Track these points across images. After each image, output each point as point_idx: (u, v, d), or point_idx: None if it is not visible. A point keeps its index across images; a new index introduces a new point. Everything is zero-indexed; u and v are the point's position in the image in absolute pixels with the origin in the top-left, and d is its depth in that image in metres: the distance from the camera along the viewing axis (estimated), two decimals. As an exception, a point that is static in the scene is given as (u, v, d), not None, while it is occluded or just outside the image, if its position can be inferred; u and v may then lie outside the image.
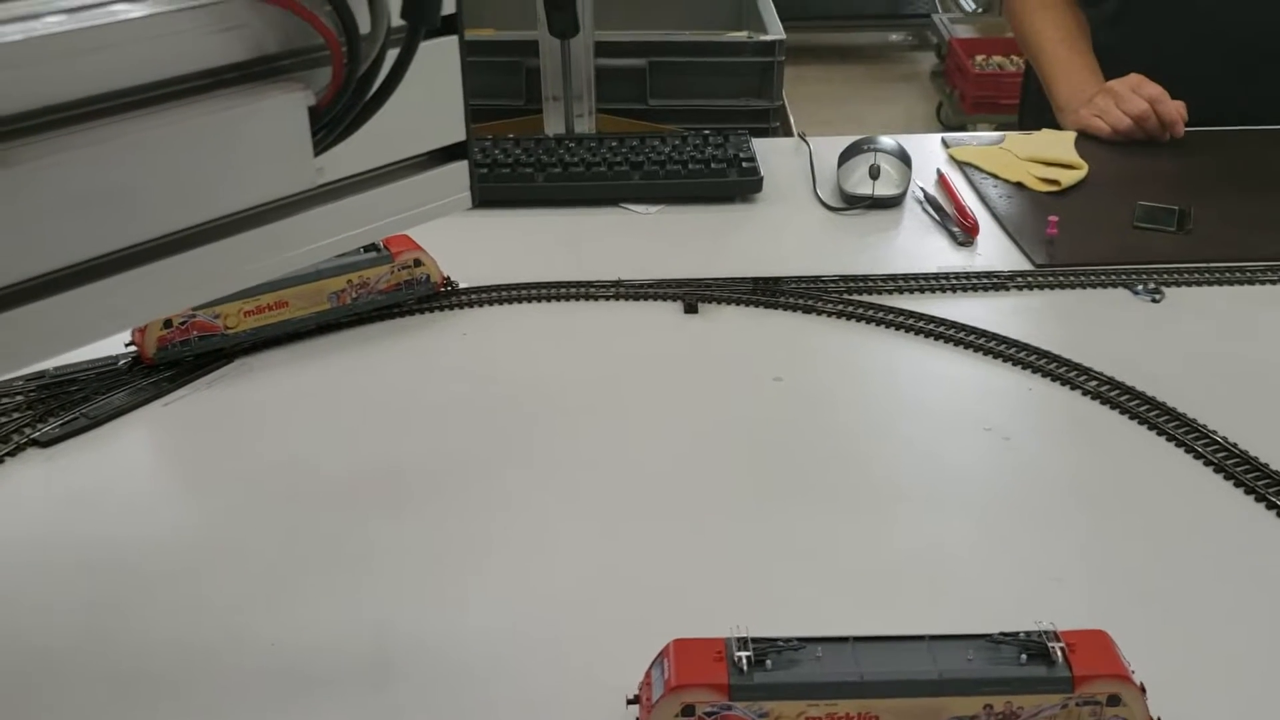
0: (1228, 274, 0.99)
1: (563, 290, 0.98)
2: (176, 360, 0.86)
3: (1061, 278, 0.99)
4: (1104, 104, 1.28)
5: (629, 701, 0.55)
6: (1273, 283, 0.98)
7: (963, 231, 1.07)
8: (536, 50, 1.28)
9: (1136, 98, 1.25)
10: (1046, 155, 1.21)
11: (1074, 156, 1.20)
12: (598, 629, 0.64)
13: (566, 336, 0.93)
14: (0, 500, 0.74)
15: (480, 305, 0.96)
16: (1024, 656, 0.53)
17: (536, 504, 0.74)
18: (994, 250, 1.05)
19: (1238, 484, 0.74)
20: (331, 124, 0.45)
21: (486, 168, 1.13)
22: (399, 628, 0.64)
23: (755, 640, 0.54)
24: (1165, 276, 0.99)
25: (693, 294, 0.97)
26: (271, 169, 0.44)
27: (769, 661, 0.53)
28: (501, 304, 0.96)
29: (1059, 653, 0.53)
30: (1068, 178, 1.16)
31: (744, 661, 0.53)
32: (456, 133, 0.53)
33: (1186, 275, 0.99)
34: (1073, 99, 1.34)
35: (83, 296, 0.42)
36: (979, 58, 3.54)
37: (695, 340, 0.92)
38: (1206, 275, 0.99)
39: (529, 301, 0.97)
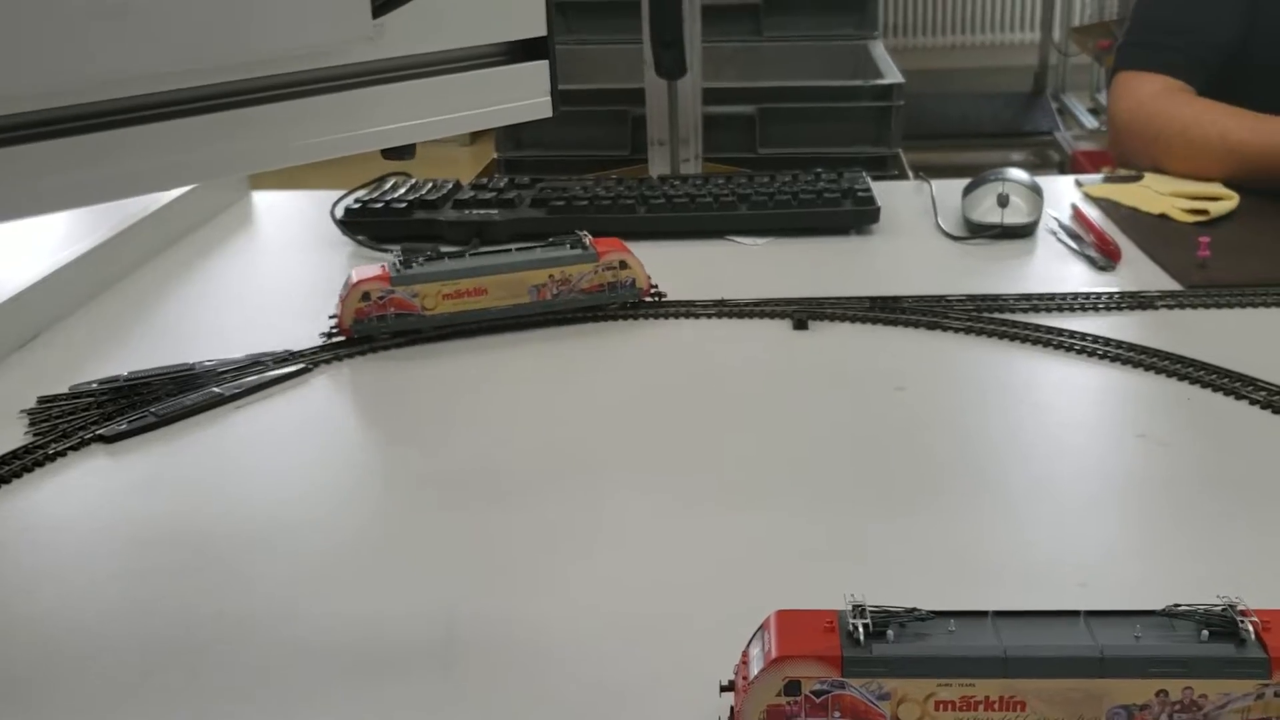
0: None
1: (661, 309, 0.92)
2: (371, 335, 0.86)
3: (1217, 296, 0.89)
4: None
5: (723, 689, 0.47)
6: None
7: (1103, 256, 0.98)
8: (643, 99, 1.25)
9: None
10: (1191, 190, 1.11)
11: (1222, 189, 1.11)
12: (700, 617, 0.55)
13: (670, 350, 0.87)
14: (66, 486, 0.69)
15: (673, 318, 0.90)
16: (1206, 633, 0.43)
17: (652, 499, 0.66)
18: (1139, 274, 0.96)
19: None
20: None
21: (587, 201, 1.09)
22: (485, 612, 0.56)
23: (875, 609, 0.45)
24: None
25: (802, 311, 0.89)
26: (322, 7, 0.39)
27: (890, 632, 0.44)
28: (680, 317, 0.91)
29: (1251, 630, 0.43)
30: (1217, 208, 1.06)
31: (861, 631, 0.44)
32: (537, 25, 0.48)
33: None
34: None
35: (100, 144, 0.37)
36: (1105, 169, 3.44)
37: (807, 353, 0.85)
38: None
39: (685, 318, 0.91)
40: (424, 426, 0.77)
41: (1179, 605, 0.44)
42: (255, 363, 0.83)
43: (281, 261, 1.09)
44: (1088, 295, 0.90)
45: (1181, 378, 0.77)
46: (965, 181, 1.12)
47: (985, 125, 4.42)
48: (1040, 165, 4.43)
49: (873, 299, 0.91)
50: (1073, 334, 0.83)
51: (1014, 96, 4.63)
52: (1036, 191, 1.07)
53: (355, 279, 0.86)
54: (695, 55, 1.23)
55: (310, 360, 0.84)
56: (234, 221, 1.18)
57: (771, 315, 0.90)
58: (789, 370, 0.82)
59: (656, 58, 1.19)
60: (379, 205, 1.10)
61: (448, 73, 0.46)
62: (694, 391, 0.80)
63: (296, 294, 0.99)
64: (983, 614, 0.45)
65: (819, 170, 1.15)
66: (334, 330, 0.86)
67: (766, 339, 0.87)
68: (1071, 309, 0.89)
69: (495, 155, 1.59)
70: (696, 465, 0.70)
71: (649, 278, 0.92)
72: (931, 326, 0.87)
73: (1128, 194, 1.12)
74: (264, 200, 1.25)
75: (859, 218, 1.07)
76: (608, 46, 1.59)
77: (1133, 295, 0.90)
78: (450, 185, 1.15)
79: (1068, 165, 3.91)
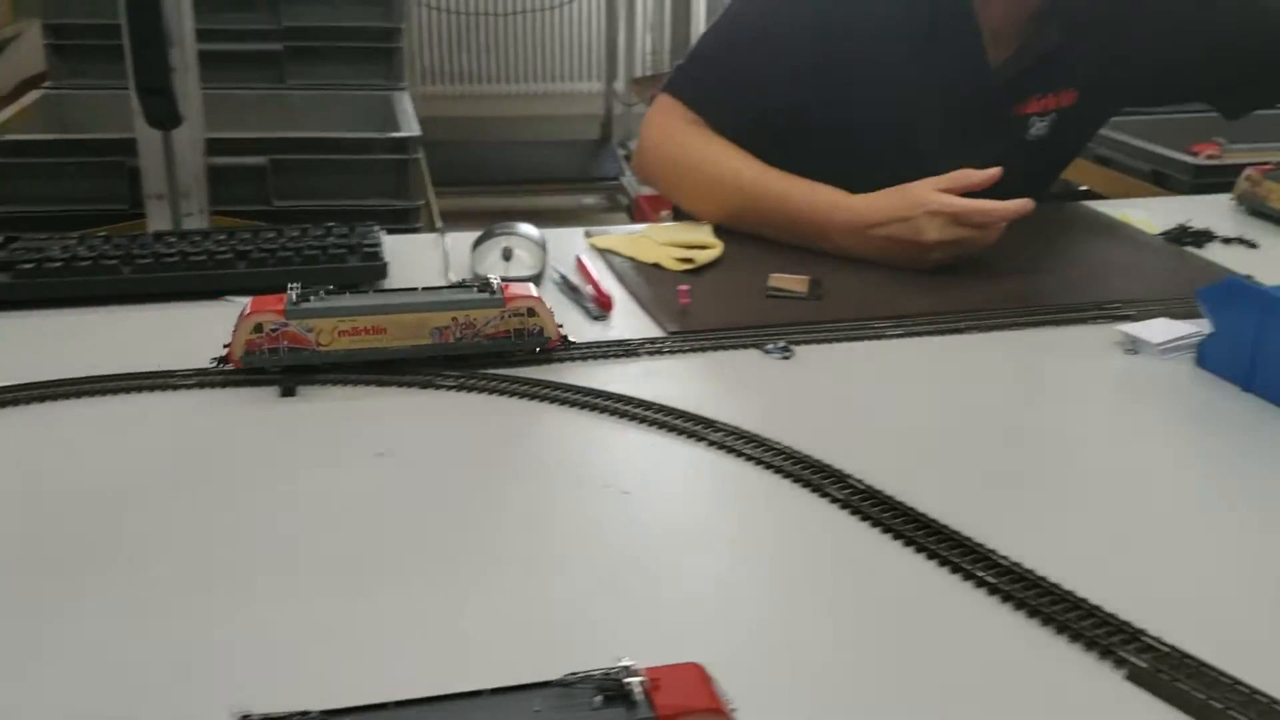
0: (853, 330, 0.98)
1: (133, 382, 0.84)
2: (262, 368, 0.85)
3: (694, 342, 0.95)
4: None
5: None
6: (892, 337, 0.97)
7: (597, 306, 1.02)
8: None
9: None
10: (684, 239, 1.19)
11: (710, 238, 1.19)
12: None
13: (140, 428, 0.79)
14: None
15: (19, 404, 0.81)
16: (600, 699, 0.44)
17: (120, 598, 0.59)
18: (628, 323, 1.00)
19: (864, 517, 0.69)
20: None
21: (62, 263, 0.99)
22: None
23: (264, 716, 0.42)
24: (795, 336, 0.96)
25: (288, 378, 0.86)
26: None
27: (282, 743, 0.41)
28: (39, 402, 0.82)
29: (640, 690, 0.44)
30: (703, 256, 1.14)
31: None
32: None
33: (815, 333, 0.97)
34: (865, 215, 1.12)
35: None
36: (664, 213, 3.65)
37: (293, 421, 0.81)
38: (834, 333, 0.97)
39: (74, 398, 0.83)
40: None
41: (575, 674, 0.45)
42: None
43: None
44: (579, 346, 0.93)
45: (650, 423, 0.81)
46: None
47: (559, 170, 4.58)
48: (609, 209, 4.65)
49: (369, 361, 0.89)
50: (551, 385, 0.85)
51: (585, 144, 4.84)
52: (541, 245, 1.10)
53: (249, 309, 0.84)
54: (194, 104, 1.15)
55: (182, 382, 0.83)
56: None
57: (257, 384, 0.85)
58: (271, 441, 0.78)
59: (144, 106, 1.11)
60: None
61: None
62: (180, 475, 0.74)
63: None
64: (383, 706, 0.44)
65: (330, 225, 1.11)
66: (223, 359, 0.85)
67: (249, 408, 0.82)
68: (562, 360, 0.91)
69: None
70: (167, 553, 0.64)
71: (559, 327, 0.90)
72: (425, 386, 0.86)
73: (628, 245, 1.18)
74: None
75: (366, 274, 1.05)
76: (114, 92, 1.47)
77: (619, 344, 0.94)
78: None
79: (633, 209, 4.13)
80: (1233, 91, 1.32)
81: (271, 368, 0.85)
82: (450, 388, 0.86)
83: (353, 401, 0.84)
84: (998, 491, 0.74)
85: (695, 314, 1.00)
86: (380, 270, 1.05)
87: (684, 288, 1.01)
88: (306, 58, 1.71)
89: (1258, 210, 1.30)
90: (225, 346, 0.85)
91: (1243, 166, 1.35)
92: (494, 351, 0.89)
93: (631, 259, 1.15)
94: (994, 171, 1.07)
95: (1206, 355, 0.91)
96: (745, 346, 0.95)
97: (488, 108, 5.40)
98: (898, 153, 1.22)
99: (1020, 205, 1.06)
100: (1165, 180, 1.70)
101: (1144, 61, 1.27)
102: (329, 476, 0.74)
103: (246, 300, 0.86)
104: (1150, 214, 1.30)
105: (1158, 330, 0.95)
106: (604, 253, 1.17)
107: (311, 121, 1.48)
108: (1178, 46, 1.27)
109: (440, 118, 5.18)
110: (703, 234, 1.20)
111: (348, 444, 0.78)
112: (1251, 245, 1.21)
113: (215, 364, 0.86)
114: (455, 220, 4.16)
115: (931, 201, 1.08)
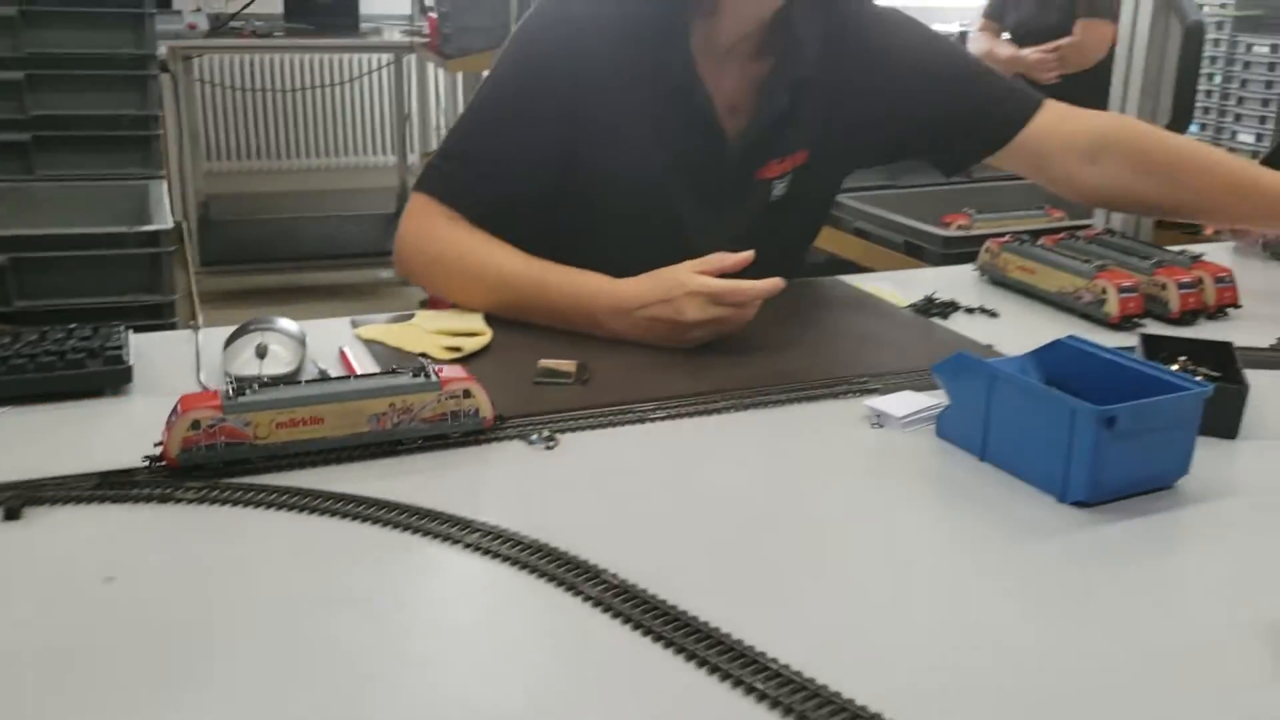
0: (618, 415, 0.99)
1: None
2: (199, 465, 0.84)
3: (458, 436, 0.94)
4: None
5: None
6: (655, 420, 0.99)
7: (358, 404, 1.00)
8: None
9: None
10: (453, 326, 1.18)
11: (480, 325, 1.18)
12: None
13: None
14: None
15: None
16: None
17: None
18: (392, 419, 0.99)
19: (619, 616, 0.69)
20: None
21: None
22: None
23: None
24: (561, 424, 0.96)
25: (16, 497, 0.80)
26: None
27: None
28: None
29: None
30: (471, 344, 1.13)
31: None
32: None
33: (581, 420, 0.97)
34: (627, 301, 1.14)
35: None
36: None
37: (15, 549, 0.75)
38: (599, 418, 0.98)
39: None
40: None
41: None
42: None
43: None
44: (353, 448, 0.90)
45: (405, 528, 0.79)
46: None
47: (354, 245, 4.50)
48: (406, 283, 4.59)
49: (104, 474, 0.84)
50: (316, 494, 0.83)
51: (379, 217, 4.78)
52: (299, 340, 1.07)
53: (183, 406, 0.83)
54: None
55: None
56: None
57: (-21, 506, 0.80)
58: (-12, 572, 0.73)
59: None
60: None
61: None
62: None
63: None
64: None
65: (73, 326, 1.06)
66: (156, 459, 0.84)
67: (-31, 536, 0.77)
68: (332, 463, 0.88)
69: None
70: None
71: (494, 406, 0.91)
72: (164, 500, 0.82)
73: (394, 334, 1.16)
74: None
75: (107, 379, 1.00)
76: None
77: (376, 444, 0.92)
78: None
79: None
80: (948, 147, 1.41)
81: (207, 463, 0.84)
82: (191, 501, 0.82)
83: (78, 528, 0.79)
84: (751, 579, 0.76)
85: (459, 406, 0.99)
86: (124, 375, 1.00)
87: (447, 380, 1.00)
88: (56, 147, 1.63)
89: (998, 280, 1.39)
90: (157, 445, 0.84)
91: (989, 237, 1.44)
92: (431, 435, 0.90)
93: (398, 349, 1.13)
94: (746, 255, 1.13)
95: (945, 427, 0.96)
96: (510, 438, 0.94)
97: (280, 183, 5.28)
98: (651, 228, 1.28)
99: (772, 284, 1.12)
100: (919, 251, 1.80)
101: (865, 122, 1.35)
102: (52, 603, 0.69)
103: (197, 394, 0.86)
104: (899, 287, 1.37)
105: (902, 404, 1.00)
106: (370, 344, 1.15)
107: (62, 215, 1.40)
108: (895, 106, 1.35)
109: (230, 194, 5.04)
110: (472, 321, 1.19)
111: (73, 569, 0.73)
112: (993, 315, 1.29)
113: (149, 464, 0.84)
114: (242, 300, 4.08)
115: (690, 283, 1.11)
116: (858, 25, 1.33)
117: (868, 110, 1.34)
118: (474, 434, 0.92)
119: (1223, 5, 4.87)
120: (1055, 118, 1.36)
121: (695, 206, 1.30)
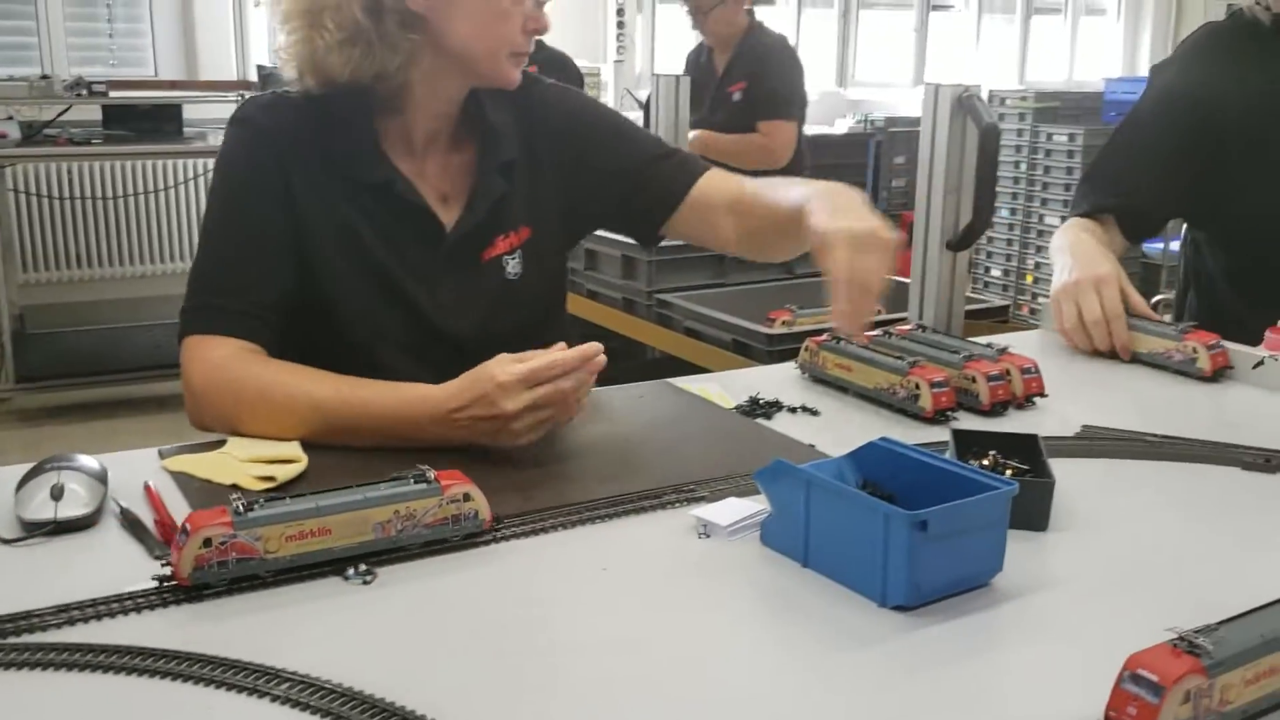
0: (439, 543, 0.96)
1: None
2: (209, 584, 0.85)
3: (459, 540, 0.91)
4: None
5: None
6: (480, 545, 0.96)
7: (164, 544, 0.94)
8: None
9: None
10: (267, 454, 1.13)
11: (295, 451, 1.14)
12: None
13: None
14: None
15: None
16: None
17: None
18: (199, 559, 0.93)
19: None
20: None
21: None
22: None
23: None
24: (378, 557, 0.93)
25: None
26: None
27: None
28: None
29: None
30: (285, 473, 1.09)
31: None
32: None
33: (400, 552, 0.94)
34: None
35: None
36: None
37: None
38: (418, 549, 0.95)
39: None
40: None
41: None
42: None
43: None
44: (133, 596, 0.85)
45: (207, 681, 0.74)
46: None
47: (177, 354, 4.33)
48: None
49: None
50: (116, 649, 0.77)
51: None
52: (99, 478, 1.01)
53: (192, 525, 0.84)
54: None
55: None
56: None
57: None
58: None
59: None
60: None
61: None
62: None
63: None
64: None
65: None
66: (166, 579, 0.85)
67: None
68: (113, 614, 0.83)
69: None
70: None
71: (490, 508, 0.95)
72: (-62, 667, 0.75)
73: (204, 464, 1.11)
74: None
75: (-120, 533, 0.92)
76: None
77: (182, 589, 0.87)
78: None
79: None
80: (636, 214, 1.45)
81: (218, 582, 0.85)
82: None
83: None
84: (578, 710, 0.74)
85: (271, 542, 0.95)
86: (-100, 527, 0.93)
87: (257, 514, 0.96)
88: None
89: (819, 377, 1.42)
90: (165, 564, 0.85)
91: (811, 333, 1.47)
92: (433, 540, 0.93)
93: (208, 481, 1.08)
94: (560, 348, 1.14)
95: (769, 534, 0.96)
96: (325, 575, 0.90)
97: (102, 291, 5.08)
98: (399, 323, 1.31)
99: (583, 351, 1.13)
100: (746, 349, 1.84)
101: (568, 194, 1.41)
102: None
103: (203, 512, 0.86)
104: (725, 387, 1.39)
105: (727, 512, 1.00)
106: (178, 476, 1.10)
107: None
108: (586, 178, 1.41)
109: (49, 305, 4.81)
110: (287, 447, 1.15)
111: None
112: (814, 413, 1.32)
113: (159, 583, 0.85)
114: (62, 417, 3.87)
115: (499, 374, 1.11)
116: (544, 108, 1.41)
117: (567, 183, 1.41)
118: (473, 536, 0.95)
119: (1023, 99, 5.21)
120: (718, 178, 1.43)
121: (429, 295, 1.33)
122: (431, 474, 0.94)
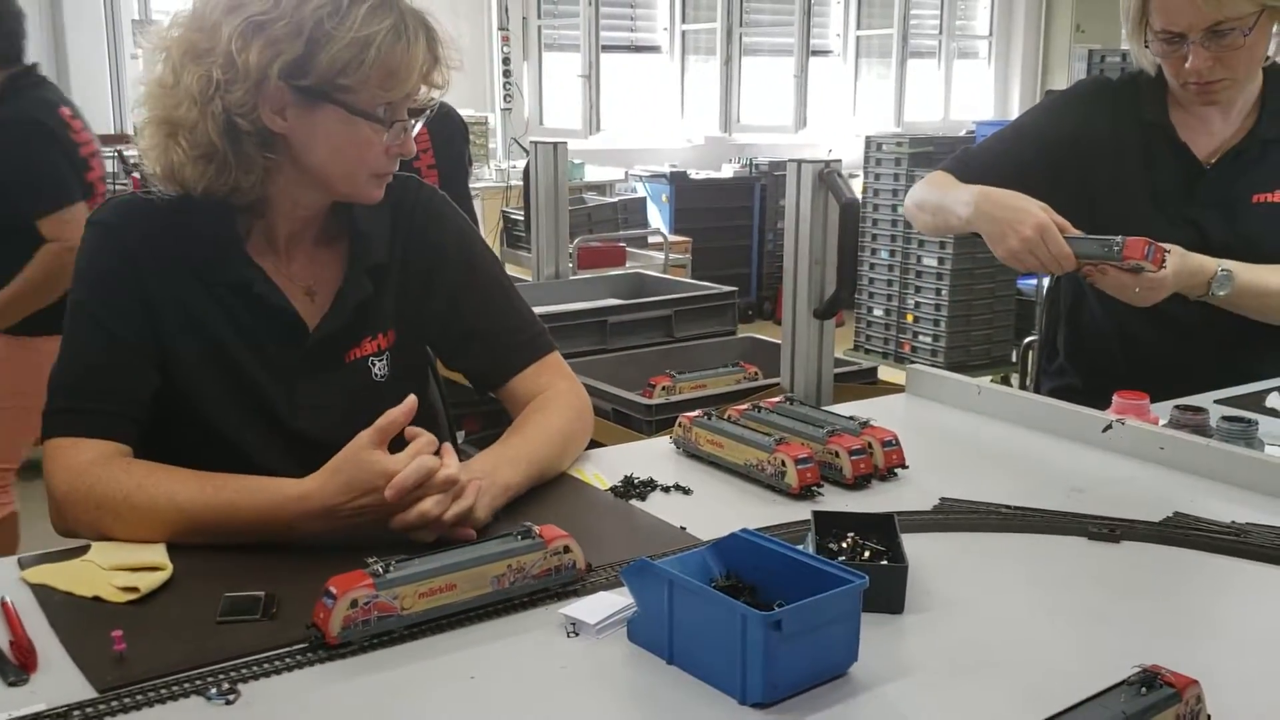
0: (303, 657, 0.95)
1: None
2: (352, 641, 0.94)
3: (129, 699, 0.88)
4: None
5: None
6: (344, 657, 0.96)
7: (16, 668, 0.92)
8: None
9: None
10: (132, 560, 1.11)
11: (160, 557, 1.12)
12: None
13: None
14: None
15: None
16: None
17: None
18: (57, 682, 0.92)
19: None
20: None
21: None
22: None
23: None
24: (243, 672, 0.92)
25: None
26: None
27: None
28: None
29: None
30: (149, 581, 1.07)
31: None
32: None
33: (266, 665, 0.93)
34: None
35: None
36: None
37: None
38: (285, 662, 0.94)
39: None
40: None
41: None
42: None
43: None
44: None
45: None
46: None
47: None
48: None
49: None
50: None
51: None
52: (-51, 598, 0.99)
53: (338, 589, 0.93)
54: None
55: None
56: None
57: None
58: None
59: None
60: None
61: None
62: None
63: None
64: None
65: None
66: (316, 640, 0.93)
67: None
68: None
69: None
70: None
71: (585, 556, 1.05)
72: None
73: (67, 575, 1.09)
74: None
75: None
76: None
77: (46, 714, 0.85)
78: None
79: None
80: (470, 357, 1.47)
81: (360, 639, 0.94)
82: None
83: None
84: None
85: (133, 661, 0.93)
86: None
87: (118, 633, 0.94)
88: None
89: (692, 453, 1.45)
90: (310, 627, 0.94)
91: (691, 402, 1.51)
92: (540, 589, 1.03)
93: (69, 593, 1.06)
94: (410, 402, 1.16)
95: (636, 631, 0.98)
96: (187, 694, 0.89)
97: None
98: (263, 423, 1.32)
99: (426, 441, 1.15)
100: (627, 419, 1.86)
101: (428, 305, 1.43)
102: None
103: (341, 576, 0.95)
104: (600, 467, 1.41)
105: (596, 609, 1.02)
106: (39, 588, 1.07)
107: None
108: (439, 299, 1.42)
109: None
110: (152, 552, 1.13)
111: None
112: (687, 492, 1.34)
113: (309, 641, 0.93)
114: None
115: (383, 462, 1.12)
116: (423, 216, 1.42)
117: (428, 295, 1.42)
118: (570, 584, 1.06)
119: (899, 144, 5.39)
120: (550, 370, 1.45)
121: (287, 394, 1.33)
122: (535, 529, 1.05)
